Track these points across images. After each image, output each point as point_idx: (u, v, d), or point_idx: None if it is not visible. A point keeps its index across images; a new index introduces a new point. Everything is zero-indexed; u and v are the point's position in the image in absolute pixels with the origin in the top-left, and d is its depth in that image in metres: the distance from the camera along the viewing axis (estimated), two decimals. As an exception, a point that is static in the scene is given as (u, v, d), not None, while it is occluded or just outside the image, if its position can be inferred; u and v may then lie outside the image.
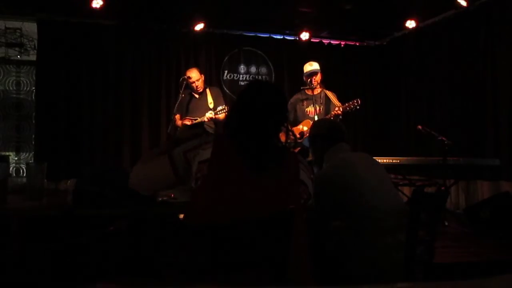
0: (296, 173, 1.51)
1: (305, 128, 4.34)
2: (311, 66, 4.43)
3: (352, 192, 1.97)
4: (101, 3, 5.05)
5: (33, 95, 5.69)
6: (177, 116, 4.54)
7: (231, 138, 1.51)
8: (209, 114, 4.30)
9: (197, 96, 4.53)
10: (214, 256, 1.27)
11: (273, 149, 1.53)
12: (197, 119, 4.41)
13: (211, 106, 4.41)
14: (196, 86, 4.46)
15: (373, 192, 1.96)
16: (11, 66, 5.83)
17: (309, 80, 4.36)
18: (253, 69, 6.30)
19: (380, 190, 2.00)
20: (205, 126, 4.37)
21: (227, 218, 1.30)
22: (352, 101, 4.07)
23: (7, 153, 5.62)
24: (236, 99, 1.63)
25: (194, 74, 4.46)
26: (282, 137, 1.60)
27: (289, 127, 1.63)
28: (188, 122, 4.43)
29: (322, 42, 6.48)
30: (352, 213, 1.95)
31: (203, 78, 4.55)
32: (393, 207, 1.95)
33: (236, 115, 1.57)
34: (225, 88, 6.05)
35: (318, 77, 4.39)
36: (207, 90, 4.56)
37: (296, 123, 4.46)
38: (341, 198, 1.98)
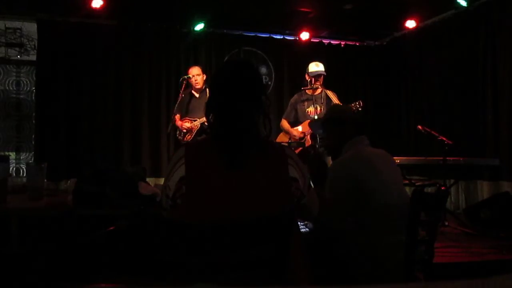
0: (284, 170, 1.36)
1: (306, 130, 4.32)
2: (318, 66, 4.36)
3: (365, 185, 1.96)
4: (101, 3, 5.05)
5: (33, 95, 5.68)
6: (177, 116, 4.54)
7: (213, 135, 1.41)
8: None
9: (197, 95, 4.53)
10: (212, 256, 1.27)
11: (253, 141, 1.37)
12: (196, 119, 4.40)
13: None
14: (196, 81, 4.44)
15: (386, 189, 1.96)
16: (11, 66, 5.82)
17: (312, 80, 4.33)
18: (253, 69, 6.29)
19: (392, 188, 2.00)
20: (203, 126, 4.38)
21: (214, 219, 1.26)
22: (354, 103, 4.06)
23: (7, 153, 5.61)
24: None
25: (195, 71, 4.47)
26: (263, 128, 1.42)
27: (270, 116, 1.44)
28: (188, 123, 4.42)
29: (322, 42, 6.48)
30: (362, 208, 1.94)
31: (204, 77, 4.55)
32: (401, 206, 1.95)
33: (208, 107, 1.45)
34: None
35: (322, 79, 4.37)
36: (207, 90, 4.56)
37: (297, 123, 4.45)
38: (353, 189, 1.97)
